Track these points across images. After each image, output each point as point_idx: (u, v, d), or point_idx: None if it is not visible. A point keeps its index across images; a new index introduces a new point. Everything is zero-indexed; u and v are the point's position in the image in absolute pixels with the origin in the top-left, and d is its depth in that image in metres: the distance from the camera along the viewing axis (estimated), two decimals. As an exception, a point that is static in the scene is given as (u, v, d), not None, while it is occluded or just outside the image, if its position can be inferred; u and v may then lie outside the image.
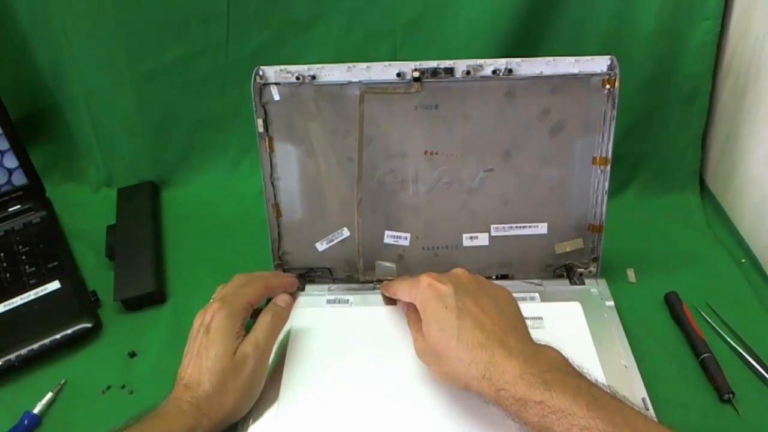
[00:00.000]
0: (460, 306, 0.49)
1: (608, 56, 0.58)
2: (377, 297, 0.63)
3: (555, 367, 0.45)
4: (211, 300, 0.56)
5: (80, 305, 0.64)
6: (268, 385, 0.54)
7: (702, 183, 0.78)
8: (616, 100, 0.58)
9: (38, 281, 0.66)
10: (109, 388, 0.58)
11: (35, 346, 0.60)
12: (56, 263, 0.68)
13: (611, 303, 0.62)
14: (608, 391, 0.44)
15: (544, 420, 0.42)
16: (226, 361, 0.51)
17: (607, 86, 0.58)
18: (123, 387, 0.58)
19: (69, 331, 0.61)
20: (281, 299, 0.59)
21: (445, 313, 0.49)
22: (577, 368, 0.46)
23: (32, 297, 0.65)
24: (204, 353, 0.51)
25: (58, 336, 0.61)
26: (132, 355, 0.61)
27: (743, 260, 0.69)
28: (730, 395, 0.54)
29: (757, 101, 0.66)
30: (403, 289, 0.57)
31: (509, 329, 0.48)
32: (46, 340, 0.60)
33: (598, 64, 0.58)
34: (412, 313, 0.55)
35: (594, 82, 0.58)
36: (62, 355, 0.61)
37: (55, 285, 0.66)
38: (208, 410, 0.49)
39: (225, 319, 0.53)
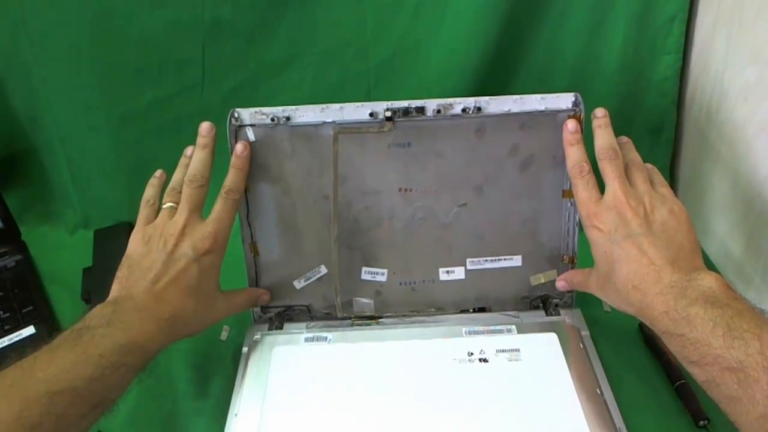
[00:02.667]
0: (618, 251, 0.52)
1: (573, 93, 0.59)
2: (356, 333, 0.63)
3: (704, 298, 0.46)
4: (183, 204, 0.56)
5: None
6: (246, 423, 0.54)
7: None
8: (583, 135, 0.60)
9: (12, 327, 0.66)
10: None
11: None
12: (31, 308, 0.68)
13: (586, 332, 0.63)
14: (757, 314, 0.45)
15: (684, 350, 0.46)
16: (210, 300, 0.55)
17: (574, 122, 0.60)
18: (99, 431, 0.58)
19: (44, 378, 0.60)
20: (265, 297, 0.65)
21: (605, 258, 0.53)
22: (730, 295, 0.46)
23: (6, 343, 0.64)
24: (193, 283, 0.53)
25: (32, 383, 0.59)
26: (108, 399, 0.60)
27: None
28: (706, 422, 0.55)
29: (721, 132, 0.68)
30: (577, 197, 0.57)
31: (668, 262, 0.50)
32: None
33: (564, 100, 0.59)
34: (575, 277, 0.61)
35: (560, 118, 0.60)
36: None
37: (29, 330, 0.65)
38: (178, 332, 0.53)
39: (219, 259, 0.56)
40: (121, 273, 0.54)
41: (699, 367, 0.45)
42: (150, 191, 0.60)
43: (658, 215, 0.53)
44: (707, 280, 0.48)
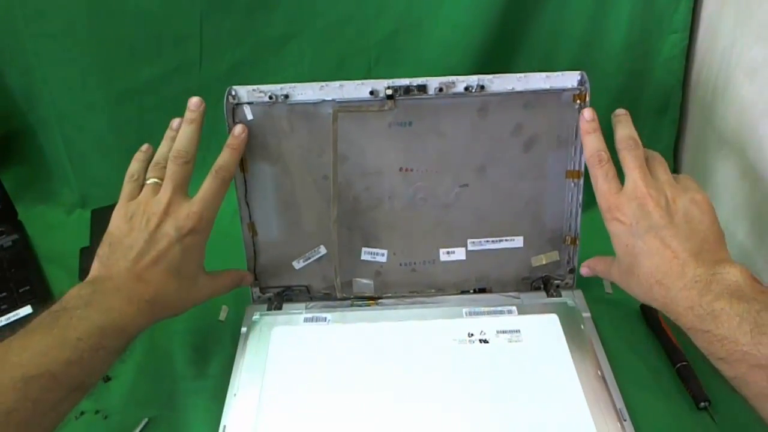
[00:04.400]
0: (640, 245, 0.51)
1: (578, 72, 0.58)
2: (355, 314, 0.63)
3: (729, 292, 0.45)
4: (167, 180, 0.54)
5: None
6: (245, 403, 0.54)
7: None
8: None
9: (10, 306, 0.65)
10: (83, 413, 0.57)
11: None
12: (28, 288, 0.67)
13: (588, 314, 0.62)
14: None
15: (711, 346, 0.45)
16: (192, 280, 0.54)
17: (578, 101, 0.59)
18: (97, 412, 0.57)
19: (41, 357, 0.60)
20: (248, 278, 0.63)
21: (627, 252, 0.52)
22: (756, 288, 0.46)
23: (3, 323, 0.64)
24: (175, 262, 0.52)
25: (30, 362, 0.59)
26: (106, 379, 0.60)
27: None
28: (706, 403, 0.55)
29: (727, 111, 0.67)
30: (597, 189, 0.55)
31: (692, 254, 0.49)
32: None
33: (569, 79, 0.58)
34: (599, 264, 0.59)
35: (565, 97, 0.59)
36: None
37: (27, 310, 0.65)
38: (158, 313, 0.51)
39: (203, 239, 0.54)
40: (102, 251, 0.53)
41: (727, 363, 0.45)
42: (135, 166, 0.58)
43: (681, 205, 0.51)
44: (732, 273, 0.47)
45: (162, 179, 0.55)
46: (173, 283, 0.52)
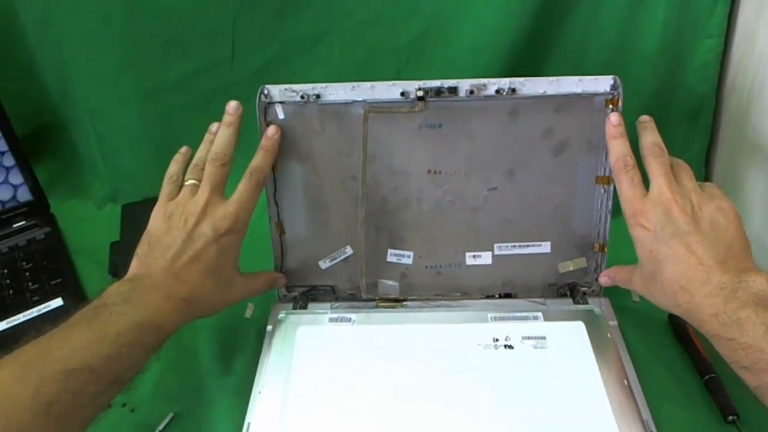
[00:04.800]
0: (665, 250, 0.50)
1: (611, 76, 0.58)
2: (380, 316, 0.63)
3: (755, 300, 0.45)
4: (204, 183, 0.56)
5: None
6: (269, 401, 0.54)
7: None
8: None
9: (41, 298, 0.66)
10: (110, 406, 0.57)
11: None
12: (59, 280, 0.69)
13: (615, 322, 0.62)
14: None
15: (735, 354, 0.45)
16: (228, 281, 0.55)
17: (611, 106, 0.58)
18: (124, 405, 0.58)
19: (71, 350, 0.61)
20: (281, 280, 0.64)
21: (651, 257, 0.51)
22: None
23: (35, 314, 0.65)
24: (212, 262, 0.53)
25: (60, 354, 0.60)
26: (134, 373, 0.61)
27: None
28: (735, 417, 0.54)
29: (762, 119, 0.66)
30: (622, 195, 0.55)
31: (718, 262, 0.48)
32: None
33: (602, 83, 0.58)
34: (619, 273, 0.59)
35: (597, 102, 0.58)
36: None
37: (58, 302, 0.66)
38: (194, 311, 0.52)
39: (239, 240, 0.55)
40: (141, 250, 0.54)
41: (751, 372, 0.44)
42: (174, 167, 0.59)
43: (707, 212, 0.51)
44: (759, 282, 0.46)
45: (200, 180, 0.56)
46: (209, 282, 0.53)
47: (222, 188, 0.56)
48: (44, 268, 0.71)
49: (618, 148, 0.56)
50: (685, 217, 0.50)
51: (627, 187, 0.54)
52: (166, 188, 0.58)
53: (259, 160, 0.58)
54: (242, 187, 0.56)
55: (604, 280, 0.61)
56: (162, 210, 0.56)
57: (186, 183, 0.57)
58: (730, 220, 0.51)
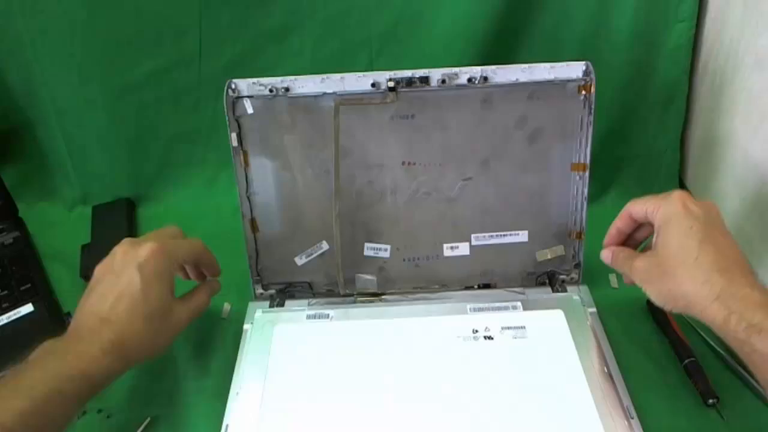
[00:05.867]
0: (707, 230, 0.48)
1: (583, 62, 0.57)
2: (358, 311, 0.62)
3: None
4: (143, 237, 0.54)
5: (54, 328, 0.61)
6: (247, 402, 0.53)
7: (682, 185, 0.78)
8: (593, 106, 0.58)
9: (11, 305, 0.65)
10: (85, 413, 0.56)
11: (7, 372, 0.58)
12: (29, 285, 0.67)
13: (594, 309, 0.62)
14: None
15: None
16: (162, 310, 0.51)
17: (583, 92, 0.58)
18: (100, 411, 0.57)
19: (42, 356, 0.60)
20: (217, 285, 0.60)
21: (690, 232, 0.48)
22: None
23: (5, 321, 0.63)
24: (137, 293, 0.49)
25: (31, 361, 0.59)
26: (108, 378, 0.59)
27: (725, 262, 0.69)
28: (715, 400, 0.54)
29: (734, 102, 0.66)
30: (647, 202, 0.53)
31: (747, 269, 0.47)
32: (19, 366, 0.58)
33: (574, 70, 0.57)
34: (621, 253, 0.55)
35: (570, 88, 0.58)
36: (36, 380, 0.59)
37: (28, 308, 0.64)
38: (129, 353, 0.48)
39: (164, 263, 0.52)
40: (79, 303, 0.51)
41: None
42: None
43: (724, 229, 0.51)
44: None
45: None
46: (140, 318, 0.49)
47: (162, 238, 0.54)
48: (13, 274, 0.69)
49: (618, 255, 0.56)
50: (720, 220, 0.50)
51: (655, 198, 0.53)
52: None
53: (210, 259, 0.58)
54: (181, 238, 0.57)
55: (606, 254, 0.58)
56: (103, 260, 0.53)
57: None
58: (736, 244, 0.50)
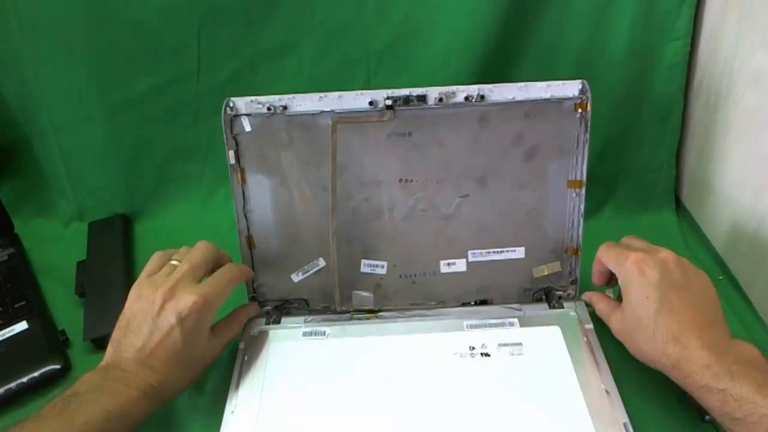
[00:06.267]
0: (662, 299, 0.50)
1: (579, 80, 0.58)
2: (355, 328, 0.62)
3: (746, 361, 0.46)
4: (181, 273, 0.54)
5: (49, 346, 0.62)
6: (243, 420, 0.53)
7: (678, 201, 0.78)
8: (589, 124, 0.59)
9: (5, 322, 0.64)
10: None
11: (1, 390, 0.58)
12: (24, 303, 0.66)
13: (590, 326, 0.61)
14: None
15: (725, 406, 0.45)
16: (200, 357, 0.54)
17: (579, 110, 0.58)
18: (94, 430, 0.56)
19: (36, 374, 0.59)
20: (253, 309, 0.63)
21: (645, 303, 0.51)
22: None
23: (-1, 339, 0.63)
24: (178, 346, 0.51)
25: (25, 379, 0.59)
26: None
27: (720, 277, 0.69)
28: (711, 417, 0.53)
29: (729, 119, 0.67)
30: (610, 257, 0.56)
31: (706, 325, 0.49)
32: (12, 384, 0.58)
33: (570, 88, 0.58)
34: (601, 303, 0.58)
35: (566, 106, 0.59)
36: (30, 399, 0.59)
37: (22, 326, 0.64)
38: (167, 395, 0.52)
39: (205, 316, 0.53)
40: (115, 335, 0.53)
41: (743, 425, 0.44)
42: (169, 251, 0.59)
43: (693, 274, 0.52)
44: (747, 348, 0.48)
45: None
46: (177, 368, 0.52)
47: (199, 271, 0.55)
48: (8, 291, 0.68)
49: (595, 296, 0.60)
50: (680, 272, 0.51)
51: (620, 250, 0.55)
52: (150, 263, 0.57)
53: (244, 270, 0.60)
54: (218, 274, 0.56)
55: (585, 298, 0.62)
56: (137, 289, 0.54)
57: (170, 262, 0.56)
58: (711, 288, 0.53)
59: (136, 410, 0.49)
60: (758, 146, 0.62)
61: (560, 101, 0.58)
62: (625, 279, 0.53)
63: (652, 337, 0.50)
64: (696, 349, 0.48)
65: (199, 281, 0.55)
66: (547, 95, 0.58)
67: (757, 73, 0.61)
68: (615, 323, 0.55)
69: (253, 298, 0.64)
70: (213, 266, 0.58)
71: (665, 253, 0.53)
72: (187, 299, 0.52)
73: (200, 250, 0.57)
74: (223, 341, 0.57)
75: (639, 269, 0.52)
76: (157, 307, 0.52)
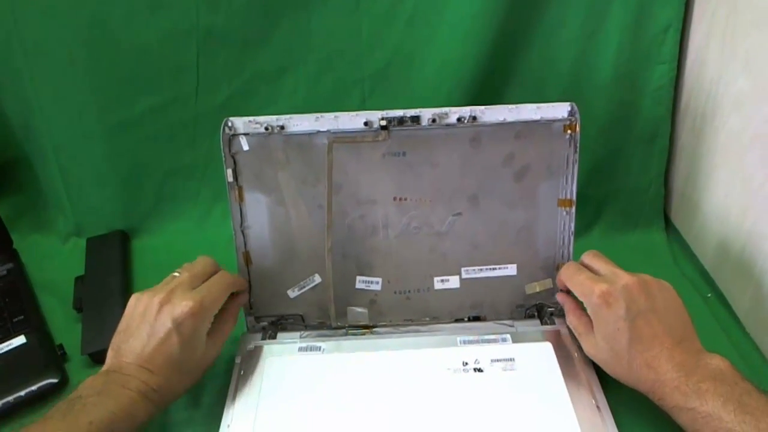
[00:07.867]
0: (631, 328, 0.52)
1: (568, 103, 0.59)
2: (350, 343, 0.63)
3: (713, 376, 0.48)
4: (178, 283, 0.55)
5: (46, 360, 0.63)
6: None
7: (667, 219, 0.80)
8: (578, 144, 0.60)
9: (3, 337, 0.65)
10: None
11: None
12: (22, 317, 0.67)
13: (581, 342, 0.62)
14: (763, 393, 0.47)
15: (695, 423, 0.47)
16: (197, 361, 0.54)
17: (569, 131, 0.60)
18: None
19: (34, 388, 0.60)
20: (243, 298, 0.63)
21: (617, 335, 0.53)
22: (737, 375, 0.48)
23: (-3, 353, 0.64)
24: (175, 351, 0.52)
25: (22, 393, 0.59)
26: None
27: (709, 295, 0.70)
28: (701, 432, 0.54)
29: (715, 140, 0.68)
30: (574, 285, 0.58)
31: (675, 343, 0.51)
32: (10, 398, 0.59)
33: (559, 110, 0.60)
34: (578, 323, 0.59)
35: (556, 128, 0.60)
36: (27, 413, 0.59)
37: (20, 340, 0.64)
38: (167, 398, 0.52)
39: (201, 322, 0.54)
40: (115, 340, 0.54)
41: None
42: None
43: (658, 294, 0.54)
44: (715, 361, 0.49)
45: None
46: (176, 371, 0.53)
47: (197, 281, 0.56)
48: (7, 306, 0.69)
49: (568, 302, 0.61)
50: (644, 296, 0.53)
51: (584, 279, 0.56)
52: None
53: (237, 279, 0.61)
54: (212, 281, 0.57)
55: (560, 300, 0.63)
56: (136, 295, 0.56)
57: (172, 273, 0.58)
58: (676, 300, 0.54)
59: (139, 412, 0.49)
60: (742, 166, 0.64)
61: (550, 123, 0.60)
62: (593, 311, 0.55)
63: (627, 367, 0.52)
64: (666, 372, 0.50)
65: None
66: (537, 117, 0.59)
67: (740, 97, 0.63)
68: (588, 347, 0.57)
69: (249, 313, 0.65)
70: (224, 298, 0.58)
71: (626, 279, 0.54)
72: (183, 304, 0.53)
73: (200, 263, 0.59)
74: (221, 341, 0.57)
75: (606, 302, 0.53)
76: (154, 312, 0.53)
